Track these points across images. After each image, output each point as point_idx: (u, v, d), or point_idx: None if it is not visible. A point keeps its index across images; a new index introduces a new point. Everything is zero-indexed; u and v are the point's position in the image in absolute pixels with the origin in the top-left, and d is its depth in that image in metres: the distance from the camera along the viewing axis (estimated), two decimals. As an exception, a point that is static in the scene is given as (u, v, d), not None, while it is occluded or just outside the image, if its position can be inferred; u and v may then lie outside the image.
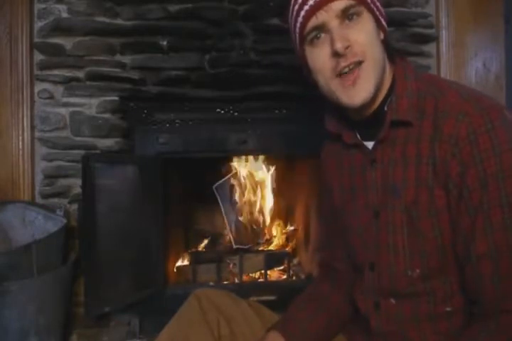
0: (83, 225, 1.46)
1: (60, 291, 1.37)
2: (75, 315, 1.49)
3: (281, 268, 1.77)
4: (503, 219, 0.66)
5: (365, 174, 0.81)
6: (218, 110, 1.53)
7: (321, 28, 0.73)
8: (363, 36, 0.72)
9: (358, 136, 0.82)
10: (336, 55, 0.72)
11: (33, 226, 1.43)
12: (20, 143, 1.48)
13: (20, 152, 1.48)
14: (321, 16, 0.72)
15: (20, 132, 1.48)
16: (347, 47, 0.72)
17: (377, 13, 0.75)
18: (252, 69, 1.54)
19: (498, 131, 0.67)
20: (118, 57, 1.51)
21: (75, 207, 1.51)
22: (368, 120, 0.79)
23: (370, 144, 0.81)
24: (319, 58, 0.75)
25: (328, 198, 0.93)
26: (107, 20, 1.50)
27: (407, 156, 0.75)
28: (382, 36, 0.76)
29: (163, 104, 1.53)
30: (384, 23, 0.76)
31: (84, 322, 1.50)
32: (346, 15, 0.72)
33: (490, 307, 0.69)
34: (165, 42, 1.52)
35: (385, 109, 0.77)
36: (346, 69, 0.73)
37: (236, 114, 1.53)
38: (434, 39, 1.64)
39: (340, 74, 0.74)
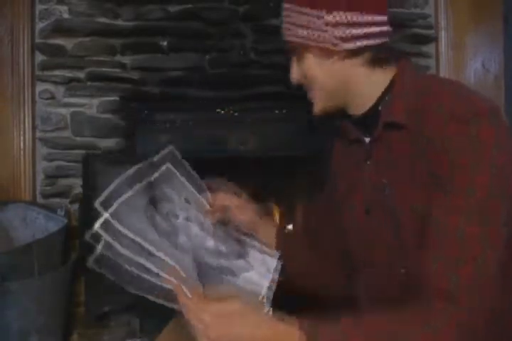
0: (84, 225, 1.47)
1: (61, 291, 1.37)
2: (75, 315, 1.50)
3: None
4: (461, 206, 0.66)
5: (362, 170, 0.82)
6: (218, 110, 1.54)
7: None
8: (305, 73, 0.78)
9: (360, 131, 0.83)
10: None
11: (33, 226, 1.44)
12: (22, 143, 1.49)
13: (22, 152, 1.49)
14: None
15: (22, 132, 1.49)
16: (297, 81, 0.80)
17: (315, 45, 0.73)
18: (252, 69, 1.54)
19: (482, 133, 0.67)
20: (118, 58, 1.52)
21: (75, 207, 1.52)
22: (364, 117, 0.80)
23: (368, 140, 0.82)
24: None
25: (330, 193, 0.93)
26: (107, 20, 1.51)
27: (398, 156, 0.75)
28: (332, 60, 0.75)
29: (164, 104, 1.54)
30: (330, 48, 0.73)
31: (85, 322, 1.50)
32: (294, 53, 0.78)
33: (427, 288, 0.66)
34: (165, 43, 1.52)
35: (380, 108, 0.78)
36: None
37: (236, 114, 1.54)
38: (434, 40, 1.65)
39: None
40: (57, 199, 1.52)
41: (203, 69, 1.54)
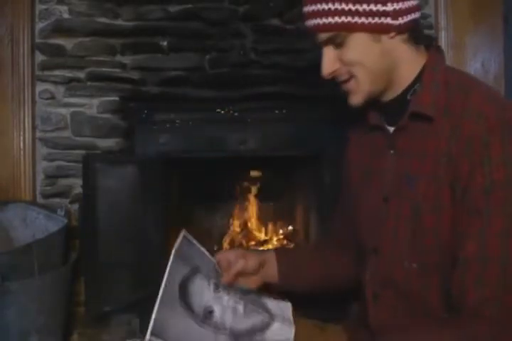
0: (84, 225, 1.47)
1: (61, 291, 1.37)
2: (75, 314, 1.50)
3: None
4: (501, 227, 0.66)
5: (384, 158, 0.81)
6: (218, 110, 1.54)
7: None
8: (349, 56, 0.74)
9: (382, 118, 0.82)
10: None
11: (33, 226, 1.44)
12: (22, 143, 1.49)
13: (22, 152, 1.49)
14: (317, 38, 0.77)
15: (22, 132, 1.49)
16: (332, 72, 0.77)
17: (372, 22, 0.72)
18: (252, 69, 1.54)
19: None
20: (118, 58, 1.52)
21: (75, 207, 1.52)
22: (391, 104, 0.80)
23: (392, 129, 0.81)
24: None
25: (347, 180, 0.94)
26: (107, 20, 1.51)
27: (424, 149, 0.75)
28: (388, 36, 0.74)
29: (164, 104, 1.54)
30: (389, 22, 0.72)
31: (85, 322, 1.50)
32: (333, 43, 0.75)
33: (468, 312, 0.67)
34: (165, 43, 1.53)
35: (408, 97, 0.77)
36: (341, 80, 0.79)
37: (236, 114, 1.54)
38: (433, 40, 1.65)
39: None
40: (57, 199, 1.52)
41: (203, 69, 1.54)
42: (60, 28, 1.49)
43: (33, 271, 1.26)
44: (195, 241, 0.83)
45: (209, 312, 0.77)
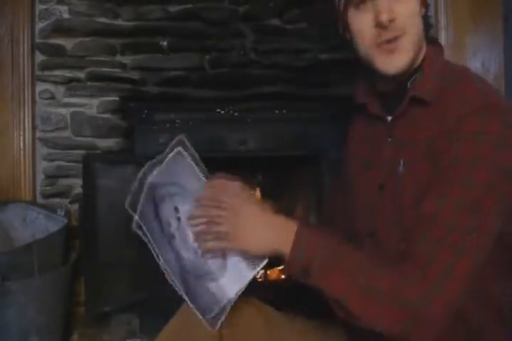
0: (84, 225, 1.47)
1: (61, 291, 1.37)
2: (75, 314, 1.50)
3: (281, 267, 1.77)
4: (459, 198, 0.69)
5: (383, 147, 0.83)
6: (218, 110, 1.54)
7: None
8: (407, 10, 0.75)
9: (383, 108, 0.84)
10: (380, 25, 0.75)
11: (33, 226, 1.44)
12: (22, 143, 1.49)
13: (22, 152, 1.49)
14: None
15: (22, 132, 1.49)
16: (391, 20, 0.75)
17: None
18: (252, 69, 1.55)
19: (490, 124, 0.69)
20: (118, 58, 1.52)
21: (75, 207, 1.52)
22: (391, 93, 0.82)
23: (390, 118, 0.83)
24: (362, 25, 0.77)
25: (344, 173, 0.95)
26: (107, 20, 1.51)
27: (417, 136, 0.77)
28: (423, 12, 0.78)
29: (164, 104, 1.54)
30: None
31: (85, 322, 1.50)
32: None
33: (411, 260, 0.70)
34: (165, 43, 1.53)
35: (408, 85, 0.79)
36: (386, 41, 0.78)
37: (236, 114, 1.54)
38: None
39: (380, 44, 0.77)
40: (57, 199, 1.52)
41: (203, 69, 1.54)
42: (60, 28, 1.50)
43: (33, 271, 1.26)
44: (189, 155, 0.82)
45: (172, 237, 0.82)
